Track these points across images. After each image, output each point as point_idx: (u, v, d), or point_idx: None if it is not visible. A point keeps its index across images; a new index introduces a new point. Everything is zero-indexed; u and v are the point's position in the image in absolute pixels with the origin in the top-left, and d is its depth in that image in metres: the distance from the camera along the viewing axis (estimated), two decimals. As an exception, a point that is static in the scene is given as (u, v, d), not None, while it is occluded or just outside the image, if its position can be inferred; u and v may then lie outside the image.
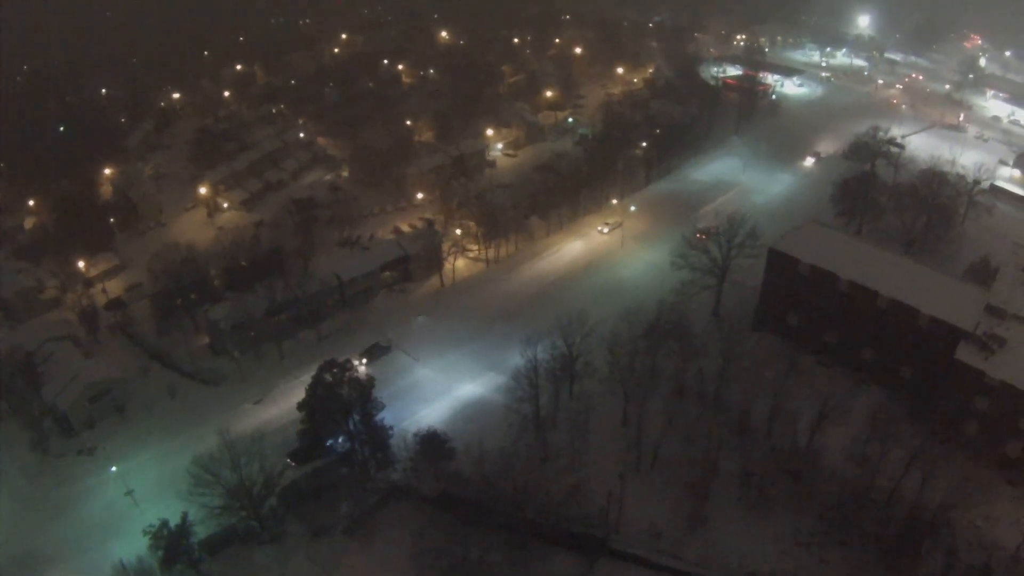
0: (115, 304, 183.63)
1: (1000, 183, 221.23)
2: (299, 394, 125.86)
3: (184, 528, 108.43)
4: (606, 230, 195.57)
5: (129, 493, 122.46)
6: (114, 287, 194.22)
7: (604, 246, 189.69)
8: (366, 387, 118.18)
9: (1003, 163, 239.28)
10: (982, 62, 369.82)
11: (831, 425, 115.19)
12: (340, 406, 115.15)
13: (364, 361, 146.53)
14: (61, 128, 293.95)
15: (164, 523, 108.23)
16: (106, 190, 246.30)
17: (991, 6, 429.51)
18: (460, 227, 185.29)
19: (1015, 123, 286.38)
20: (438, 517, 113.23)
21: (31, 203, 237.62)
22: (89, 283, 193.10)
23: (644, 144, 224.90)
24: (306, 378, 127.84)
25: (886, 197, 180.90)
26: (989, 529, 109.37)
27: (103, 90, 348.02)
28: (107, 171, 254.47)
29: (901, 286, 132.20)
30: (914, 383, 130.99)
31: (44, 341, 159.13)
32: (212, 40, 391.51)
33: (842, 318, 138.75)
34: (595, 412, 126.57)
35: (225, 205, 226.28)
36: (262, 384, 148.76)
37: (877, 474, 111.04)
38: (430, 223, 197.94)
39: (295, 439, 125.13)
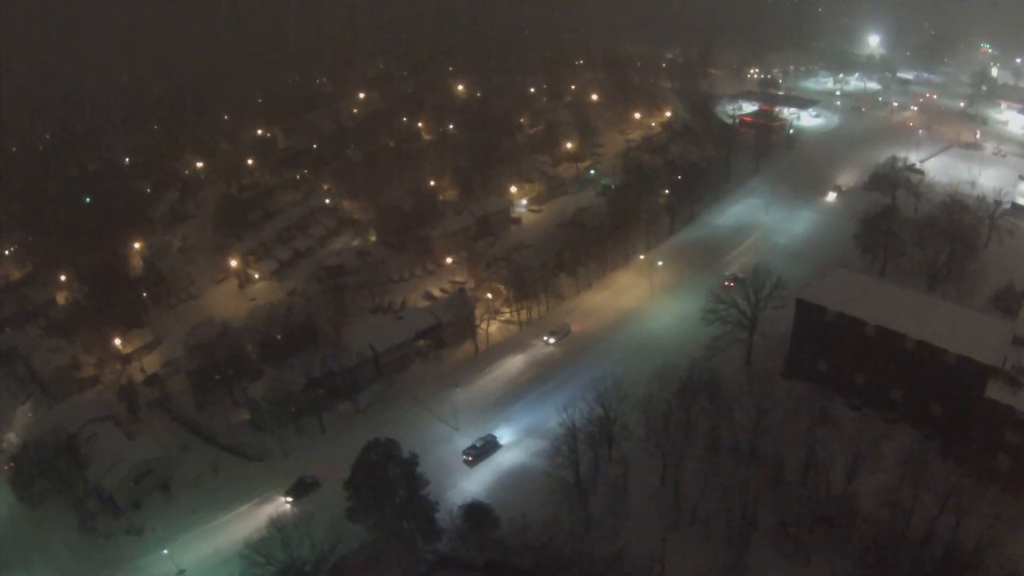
0: (153, 380, 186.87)
1: (1021, 200, 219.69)
2: (342, 466, 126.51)
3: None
4: (552, 340, 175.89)
5: (181, 574, 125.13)
6: (150, 363, 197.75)
7: (634, 300, 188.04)
8: (410, 465, 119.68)
9: (1023, 178, 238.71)
10: (994, 72, 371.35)
11: (864, 471, 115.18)
12: (386, 485, 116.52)
13: (290, 500, 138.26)
14: (87, 199, 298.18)
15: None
16: (135, 263, 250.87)
17: (998, 14, 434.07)
18: (490, 291, 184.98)
19: None
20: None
21: (62, 278, 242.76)
22: (126, 360, 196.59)
23: (666, 191, 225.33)
24: (348, 450, 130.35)
25: (908, 230, 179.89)
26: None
27: (126, 159, 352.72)
28: (136, 244, 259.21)
29: (927, 326, 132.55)
30: (945, 421, 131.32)
31: (86, 422, 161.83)
32: (230, 100, 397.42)
33: (871, 361, 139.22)
34: (633, 473, 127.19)
35: (256, 276, 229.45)
36: (304, 459, 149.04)
37: (912, 516, 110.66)
38: (461, 289, 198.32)
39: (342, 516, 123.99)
